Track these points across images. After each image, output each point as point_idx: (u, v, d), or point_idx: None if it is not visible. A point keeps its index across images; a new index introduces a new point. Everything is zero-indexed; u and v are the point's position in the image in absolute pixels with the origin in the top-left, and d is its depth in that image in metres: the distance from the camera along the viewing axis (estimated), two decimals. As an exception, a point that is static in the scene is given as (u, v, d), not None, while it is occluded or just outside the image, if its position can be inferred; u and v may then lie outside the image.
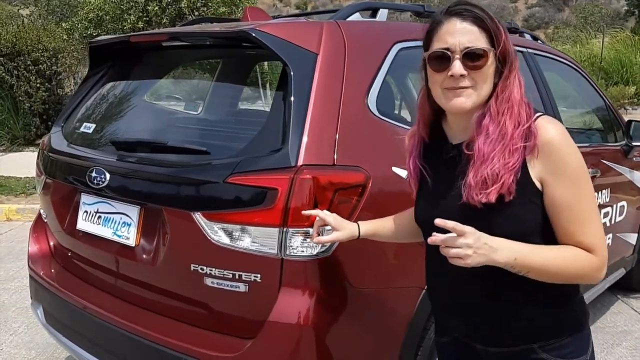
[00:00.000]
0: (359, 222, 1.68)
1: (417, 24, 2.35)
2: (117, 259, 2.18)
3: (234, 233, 1.80)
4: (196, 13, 11.52)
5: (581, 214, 1.32)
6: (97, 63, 2.72)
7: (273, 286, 1.77)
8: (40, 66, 8.91)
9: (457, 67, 1.31)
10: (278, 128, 1.86)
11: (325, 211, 1.65)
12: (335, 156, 1.83)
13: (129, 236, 2.10)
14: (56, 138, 2.54)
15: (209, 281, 1.86)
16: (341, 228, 1.63)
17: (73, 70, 9.74)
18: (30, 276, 2.60)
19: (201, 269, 1.87)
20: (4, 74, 8.79)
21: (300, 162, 1.76)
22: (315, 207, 1.72)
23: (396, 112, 2.69)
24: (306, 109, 1.84)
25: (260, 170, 1.79)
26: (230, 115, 2.80)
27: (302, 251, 1.75)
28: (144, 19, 11.61)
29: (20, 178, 7.23)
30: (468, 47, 1.31)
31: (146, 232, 2.07)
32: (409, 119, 2.44)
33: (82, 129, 2.47)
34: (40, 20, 14.97)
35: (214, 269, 1.85)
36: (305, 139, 1.80)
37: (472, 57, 1.31)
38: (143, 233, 2.08)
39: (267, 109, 2.56)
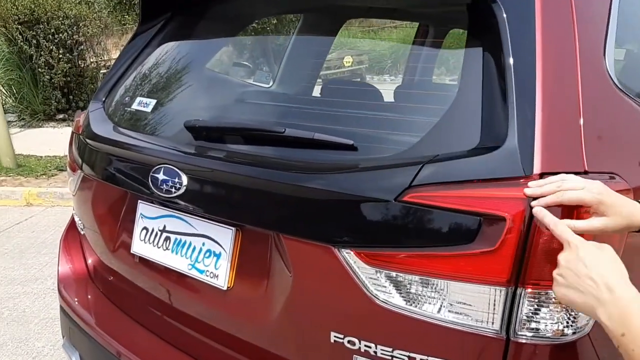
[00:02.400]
0: None
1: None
2: (197, 305, 1.46)
3: (413, 289, 1.06)
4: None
5: None
6: (150, 15, 1.96)
7: (485, 384, 1.03)
8: (61, 35, 8.17)
9: None
10: (483, 108, 1.10)
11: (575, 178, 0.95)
12: (585, 157, 1.06)
13: (217, 273, 1.36)
14: (97, 118, 1.78)
15: (362, 362, 1.13)
16: (611, 212, 0.92)
17: (97, 39, 8.96)
18: (62, 308, 1.88)
19: (349, 342, 1.13)
20: (22, 44, 8.07)
21: (537, 169, 1.00)
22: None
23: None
24: (532, 75, 1.07)
25: (463, 182, 1.03)
26: (371, 88, 1.97)
27: (547, 328, 0.99)
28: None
29: (41, 157, 6.55)
30: None
31: (247, 270, 1.33)
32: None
33: (135, 106, 1.72)
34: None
35: (373, 346, 1.11)
36: (538, 127, 1.03)
37: None
38: (242, 270, 1.34)
39: (448, 79, 1.77)
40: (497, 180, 1.01)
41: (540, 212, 0.94)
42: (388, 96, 2.01)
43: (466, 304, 1.02)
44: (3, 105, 6.45)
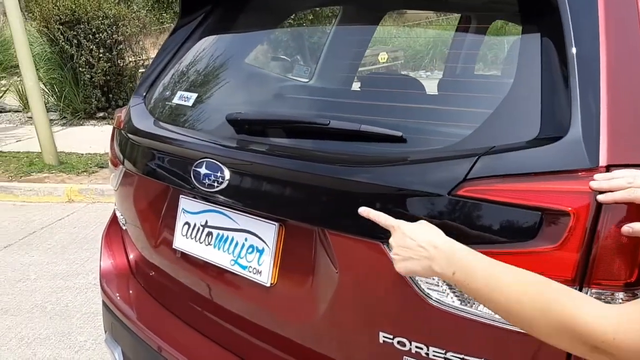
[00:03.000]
0: None
1: None
2: (239, 301, 1.43)
3: (469, 287, 1.00)
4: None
5: None
6: (190, 9, 1.94)
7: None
8: (100, 34, 8.31)
9: None
10: (542, 97, 1.04)
11: None
12: (655, 148, 0.99)
13: (261, 269, 1.33)
14: (138, 113, 1.78)
15: (412, 364, 1.08)
16: None
17: (135, 38, 9.08)
18: (104, 303, 1.89)
19: (399, 342, 1.08)
20: (63, 44, 8.25)
21: (603, 161, 0.93)
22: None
23: None
24: (596, 61, 1.00)
25: (522, 175, 0.97)
26: (413, 81, 1.91)
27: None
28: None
29: (82, 155, 6.69)
30: None
31: (291, 266, 1.30)
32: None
33: (176, 100, 1.70)
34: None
35: (424, 347, 1.06)
36: (604, 115, 0.96)
37: None
38: (285, 266, 1.31)
39: (494, 70, 1.71)
40: (559, 172, 0.94)
41: (364, 210, 1.04)
42: (429, 90, 1.95)
43: (526, 304, 0.95)
44: (45, 104, 6.60)
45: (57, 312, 3.30)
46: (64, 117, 8.68)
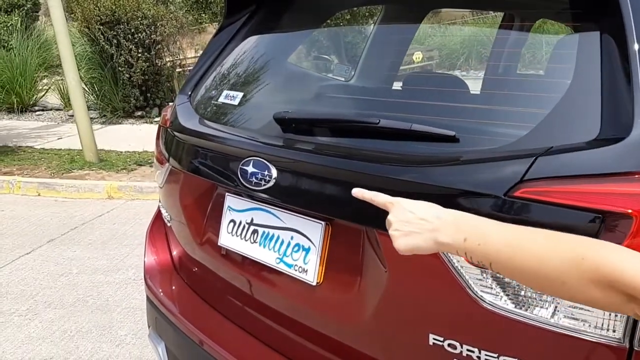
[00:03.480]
0: None
1: None
2: (284, 299, 1.43)
3: (524, 291, 0.98)
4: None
5: None
6: (235, 9, 1.96)
7: (605, 397, 0.94)
8: (139, 35, 8.48)
9: None
10: (602, 97, 1.01)
11: None
12: None
13: (307, 268, 1.33)
14: (184, 111, 1.80)
15: (463, 367, 1.06)
16: None
17: (173, 39, 9.23)
18: (148, 298, 1.92)
19: (450, 345, 1.07)
20: (103, 43, 8.45)
21: (671, 163, 0.90)
22: None
23: None
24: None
25: (582, 176, 0.94)
26: (456, 80, 1.89)
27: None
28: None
29: (121, 152, 6.83)
30: None
31: (338, 265, 1.29)
32: None
33: (222, 99, 1.72)
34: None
35: (476, 350, 1.04)
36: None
37: None
38: (332, 265, 1.30)
39: (541, 70, 1.69)
40: (621, 174, 0.92)
41: (359, 191, 1.02)
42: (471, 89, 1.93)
43: (584, 308, 0.93)
44: (86, 103, 6.76)
45: (98, 306, 3.37)
46: (104, 116, 8.88)
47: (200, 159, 1.62)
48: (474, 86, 1.86)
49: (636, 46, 0.99)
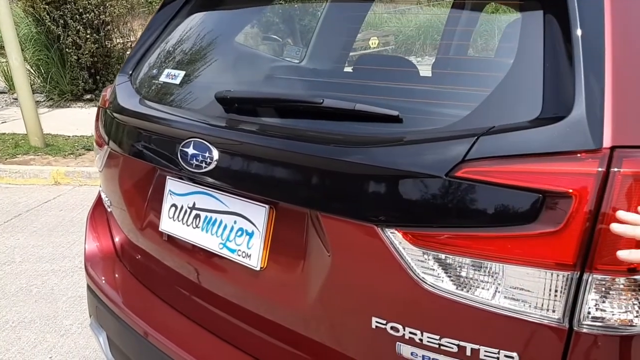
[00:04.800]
0: None
1: None
2: (228, 285, 1.39)
3: (465, 273, 0.97)
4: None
5: None
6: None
7: (544, 377, 0.95)
8: (87, 15, 8.15)
9: None
10: (545, 76, 1.00)
11: None
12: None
13: (250, 253, 1.29)
14: (124, 92, 1.72)
15: (406, 350, 1.05)
16: None
17: (123, 20, 8.92)
18: (89, 287, 1.84)
19: (393, 328, 1.05)
20: (50, 24, 8.08)
21: (608, 142, 0.90)
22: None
23: None
24: (601, 38, 0.97)
25: (523, 156, 0.93)
26: (406, 62, 1.86)
27: (615, 317, 0.90)
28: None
29: (69, 137, 6.58)
30: None
31: (282, 250, 1.26)
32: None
33: (163, 78, 1.65)
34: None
35: (419, 333, 1.02)
36: (608, 94, 0.93)
37: None
38: (276, 250, 1.27)
39: (488, 51, 1.67)
40: (562, 153, 0.91)
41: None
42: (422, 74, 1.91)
43: (524, 289, 0.93)
44: (31, 86, 6.47)
45: (42, 295, 3.25)
46: (51, 99, 8.54)
47: (140, 141, 1.55)
48: (428, 72, 1.85)
49: (578, 28, 0.98)
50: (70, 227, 4.31)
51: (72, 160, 5.79)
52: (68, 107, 8.39)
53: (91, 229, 1.93)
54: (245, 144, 1.26)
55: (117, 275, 1.79)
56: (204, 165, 1.29)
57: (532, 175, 0.91)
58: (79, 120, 7.44)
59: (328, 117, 1.21)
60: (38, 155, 5.91)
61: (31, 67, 8.39)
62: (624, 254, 0.84)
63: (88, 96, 8.56)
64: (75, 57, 8.22)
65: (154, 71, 1.72)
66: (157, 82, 1.67)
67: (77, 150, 6.03)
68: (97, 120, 1.84)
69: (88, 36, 8.12)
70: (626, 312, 0.89)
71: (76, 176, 5.44)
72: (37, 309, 3.09)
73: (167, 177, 1.49)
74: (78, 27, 8.08)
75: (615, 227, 0.84)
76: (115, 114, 1.67)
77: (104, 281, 1.78)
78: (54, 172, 5.46)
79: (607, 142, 0.90)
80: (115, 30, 8.89)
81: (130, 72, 1.81)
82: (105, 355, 1.75)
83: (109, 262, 1.84)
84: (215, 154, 1.28)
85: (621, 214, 0.85)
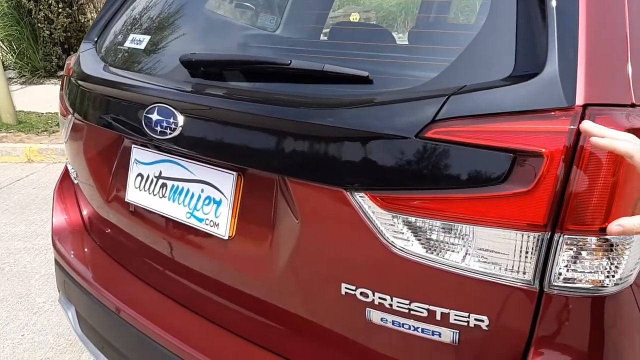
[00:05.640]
0: None
1: None
2: (196, 255, 1.35)
3: (435, 235, 0.95)
4: None
5: None
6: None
7: (514, 341, 0.93)
8: (59, -12, 7.92)
9: None
10: (517, 33, 0.96)
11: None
12: (633, 88, 0.93)
13: (218, 221, 1.25)
14: (88, 58, 1.65)
15: (375, 316, 1.02)
16: None
17: (96, -7, 8.69)
18: (56, 261, 1.79)
19: (362, 293, 1.03)
20: (20, -3, 7.84)
21: (580, 100, 0.87)
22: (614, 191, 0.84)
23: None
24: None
25: (494, 115, 0.90)
26: (382, 29, 1.81)
27: (586, 278, 0.88)
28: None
29: (42, 114, 6.44)
30: None
31: (250, 217, 1.22)
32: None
33: (128, 44, 1.58)
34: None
35: (388, 298, 1.00)
36: (582, 51, 0.90)
37: None
38: (244, 218, 1.23)
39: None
40: (534, 112, 0.88)
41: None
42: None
43: (495, 251, 0.91)
44: (3, 62, 6.30)
45: (14, 273, 3.18)
46: (23, 76, 8.31)
47: (104, 109, 1.49)
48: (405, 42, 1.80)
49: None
50: (43, 204, 4.22)
51: (45, 137, 5.67)
52: (41, 83, 8.18)
53: (59, 202, 1.87)
54: (211, 108, 1.22)
55: (85, 249, 1.74)
56: (168, 131, 1.25)
57: (503, 135, 0.88)
58: (53, 97, 7.25)
59: (297, 80, 1.17)
60: (10, 132, 5.77)
61: (2, 43, 8.14)
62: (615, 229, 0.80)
63: (62, 72, 8.35)
64: (47, 32, 7.99)
65: (120, 37, 1.66)
66: (122, 48, 1.60)
67: (51, 127, 5.90)
68: (61, 89, 1.78)
69: (60, 10, 7.89)
70: (597, 272, 0.88)
71: (49, 153, 5.33)
72: (9, 286, 3.03)
73: (133, 145, 1.44)
74: (50, 1, 7.85)
75: (594, 140, 0.81)
76: (79, 82, 1.60)
77: (72, 255, 1.73)
78: (26, 150, 5.34)
79: (579, 99, 0.87)
80: (89, 3, 8.65)
81: (95, 39, 1.74)
82: (74, 329, 1.71)
83: (77, 236, 1.79)
84: (180, 119, 1.23)
85: (597, 128, 0.81)
